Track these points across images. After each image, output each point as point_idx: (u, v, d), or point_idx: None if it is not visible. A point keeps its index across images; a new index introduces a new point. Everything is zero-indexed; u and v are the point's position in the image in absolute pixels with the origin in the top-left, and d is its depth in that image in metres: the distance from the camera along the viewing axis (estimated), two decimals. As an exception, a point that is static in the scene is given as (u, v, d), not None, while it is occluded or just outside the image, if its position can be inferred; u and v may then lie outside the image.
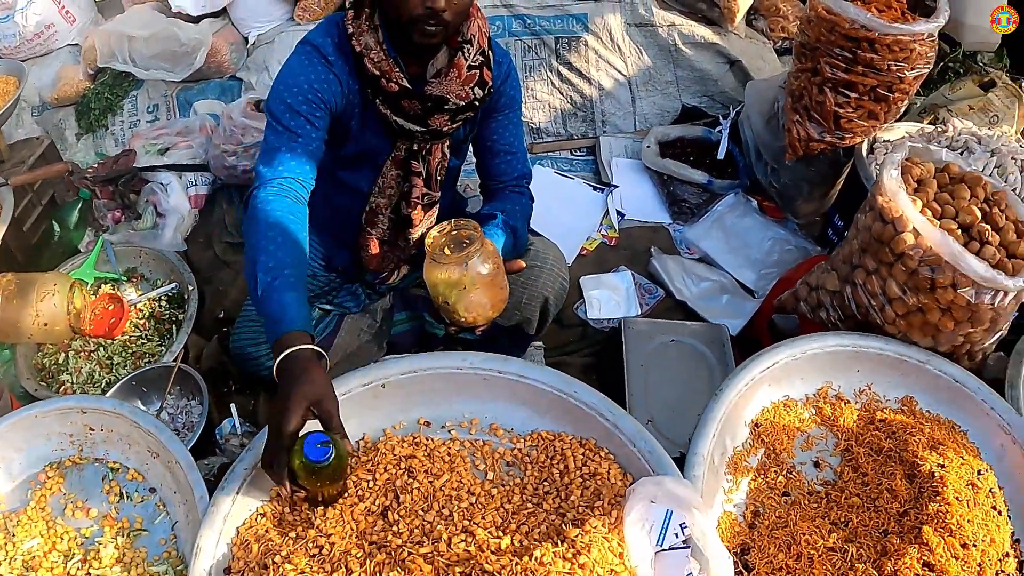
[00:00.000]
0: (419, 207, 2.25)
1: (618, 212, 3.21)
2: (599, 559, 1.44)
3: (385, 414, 1.85)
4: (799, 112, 2.83)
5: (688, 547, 1.48)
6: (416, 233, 2.30)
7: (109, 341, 2.78)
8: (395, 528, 1.59)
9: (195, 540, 1.60)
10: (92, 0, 4.14)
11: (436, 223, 2.11)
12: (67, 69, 3.87)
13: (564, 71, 3.57)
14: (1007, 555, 1.70)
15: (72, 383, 2.72)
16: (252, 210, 1.83)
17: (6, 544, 1.84)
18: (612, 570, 1.44)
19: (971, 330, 2.04)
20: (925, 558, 1.59)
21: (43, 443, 1.97)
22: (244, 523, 1.64)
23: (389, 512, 1.63)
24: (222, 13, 3.83)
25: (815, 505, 1.77)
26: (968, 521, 1.68)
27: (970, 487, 1.78)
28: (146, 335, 2.87)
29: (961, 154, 2.73)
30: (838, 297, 2.23)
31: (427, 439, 1.80)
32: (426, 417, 1.86)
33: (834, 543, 1.63)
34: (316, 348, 1.61)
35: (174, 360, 2.62)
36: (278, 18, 3.81)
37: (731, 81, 3.65)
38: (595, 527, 1.51)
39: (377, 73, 1.94)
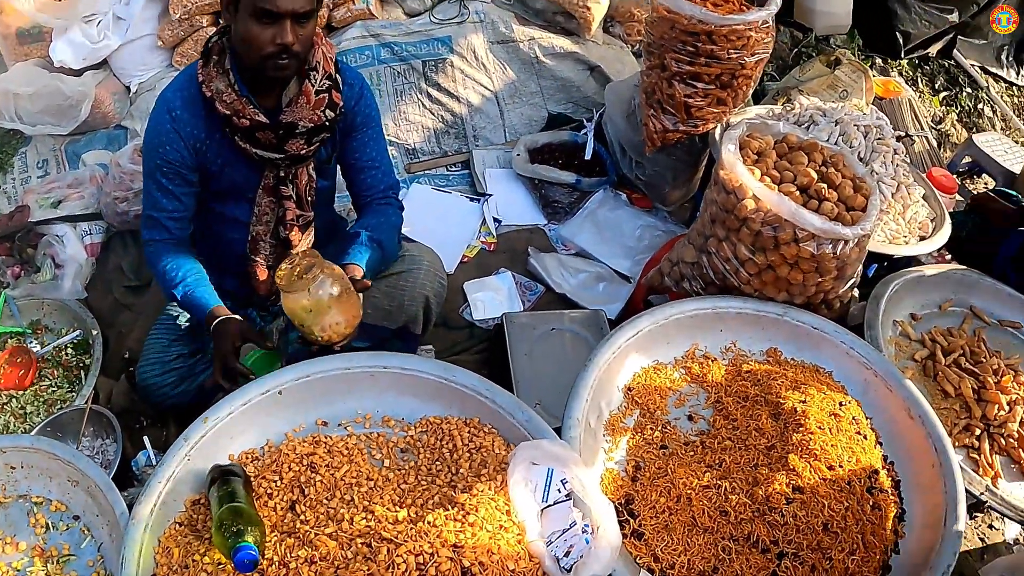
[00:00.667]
0: (295, 228, 2.39)
1: (495, 219, 3.33)
2: (487, 516, 1.56)
3: (285, 419, 1.96)
4: (653, 107, 2.99)
5: (570, 499, 1.60)
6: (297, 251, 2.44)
7: (20, 392, 2.81)
8: (302, 517, 1.70)
9: (119, 555, 1.69)
10: None
11: (314, 243, 2.27)
12: None
13: (433, 92, 3.67)
14: (876, 472, 1.86)
15: None
16: (149, 263, 2.34)
17: (-64, 588, 1.87)
18: (501, 525, 1.56)
19: (820, 279, 2.22)
20: (793, 482, 1.75)
21: None
22: (164, 532, 1.74)
23: (296, 505, 1.75)
24: (103, 64, 3.84)
25: (691, 453, 1.92)
26: (832, 446, 1.86)
27: (832, 417, 1.96)
28: (56, 382, 2.89)
29: (807, 128, 2.92)
30: (696, 267, 2.38)
31: (326, 437, 1.92)
32: (323, 417, 1.97)
33: (708, 481, 1.76)
34: (229, 313, 2.16)
35: (85, 402, 2.65)
36: (157, 65, 3.85)
37: (593, 86, 3.80)
38: (482, 491, 1.63)
39: (229, 113, 2.10)
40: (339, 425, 1.98)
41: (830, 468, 1.83)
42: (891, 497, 1.89)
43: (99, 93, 3.67)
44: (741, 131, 2.34)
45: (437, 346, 2.83)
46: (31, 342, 2.99)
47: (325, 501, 1.74)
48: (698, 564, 1.68)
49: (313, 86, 2.16)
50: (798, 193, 2.23)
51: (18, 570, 1.94)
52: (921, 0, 4.66)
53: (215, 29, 2.76)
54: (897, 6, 4.66)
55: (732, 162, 2.19)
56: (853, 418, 2.01)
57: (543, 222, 3.37)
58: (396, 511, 1.64)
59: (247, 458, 1.92)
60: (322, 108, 2.18)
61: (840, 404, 2.03)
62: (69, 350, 2.97)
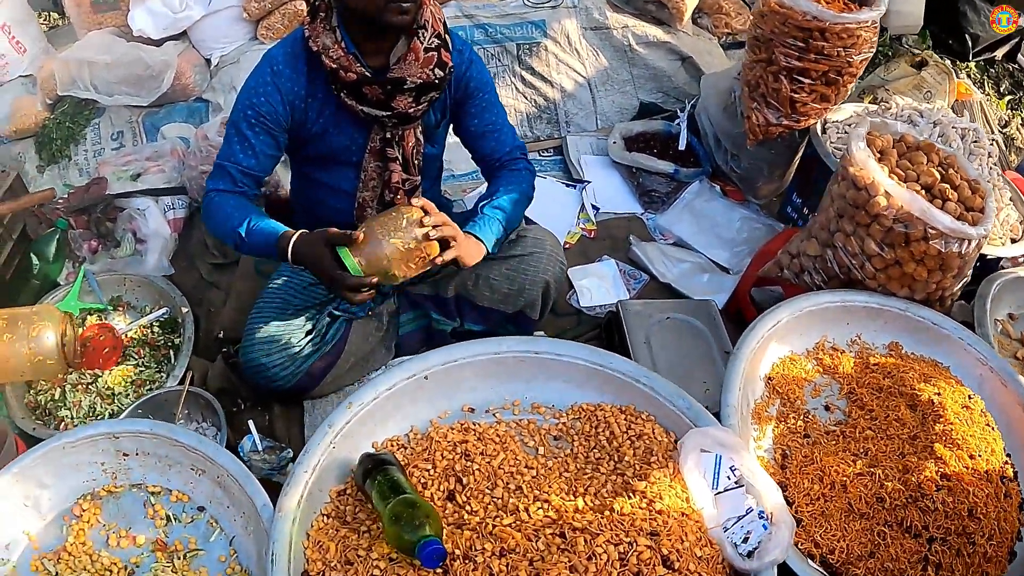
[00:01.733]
0: (401, 192, 2.36)
1: (593, 206, 3.38)
2: (671, 504, 1.61)
3: (430, 405, 1.97)
4: (756, 100, 3.04)
5: (742, 486, 1.66)
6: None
7: (106, 372, 2.68)
8: (468, 508, 1.69)
9: (265, 549, 1.64)
10: (41, 30, 4.03)
11: None
12: (22, 100, 3.75)
13: (527, 76, 3.72)
14: (1005, 463, 1.93)
15: (72, 418, 2.60)
16: (207, 213, 2.26)
17: (49, 586, 1.78)
18: (683, 513, 1.61)
19: (942, 277, 2.28)
20: (942, 470, 1.81)
21: (72, 475, 1.93)
22: (312, 526, 1.71)
23: (456, 495, 1.74)
24: (182, 36, 3.77)
25: (834, 442, 1.98)
26: (971, 436, 1.93)
27: (965, 409, 2.03)
28: (142, 362, 2.78)
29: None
30: (820, 260, 2.44)
31: (474, 424, 1.92)
32: (469, 403, 1.98)
33: (861, 469, 1.83)
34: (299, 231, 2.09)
35: (179, 383, 2.58)
36: (240, 38, 3.79)
37: (683, 76, 3.85)
38: (658, 478, 1.68)
39: (335, 67, 2.09)
40: (487, 412, 1.98)
41: (971, 457, 1.90)
42: (1016, 486, 1.96)
43: (180, 64, 3.61)
44: (866, 128, 2.39)
45: (547, 332, 2.84)
46: (113, 319, 2.89)
47: (488, 491, 1.73)
48: (856, 549, 1.74)
49: (422, 43, 2.13)
50: (923, 192, 2.29)
51: (137, 565, 1.83)
52: (990, 3, 4.68)
53: None
54: (967, 8, 4.70)
55: (864, 159, 2.24)
56: (982, 411, 2.09)
57: (639, 210, 3.41)
58: (573, 500, 1.65)
59: (392, 446, 1.90)
60: (431, 67, 2.15)
61: (969, 397, 2.11)
62: (155, 328, 2.88)
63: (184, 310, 2.87)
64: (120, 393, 2.66)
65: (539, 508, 1.63)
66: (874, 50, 2.89)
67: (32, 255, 2.98)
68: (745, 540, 1.59)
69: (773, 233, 3.23)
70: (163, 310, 2.90)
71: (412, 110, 2.20)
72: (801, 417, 2.05)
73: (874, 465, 1.86)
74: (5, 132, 3.70)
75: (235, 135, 2.21)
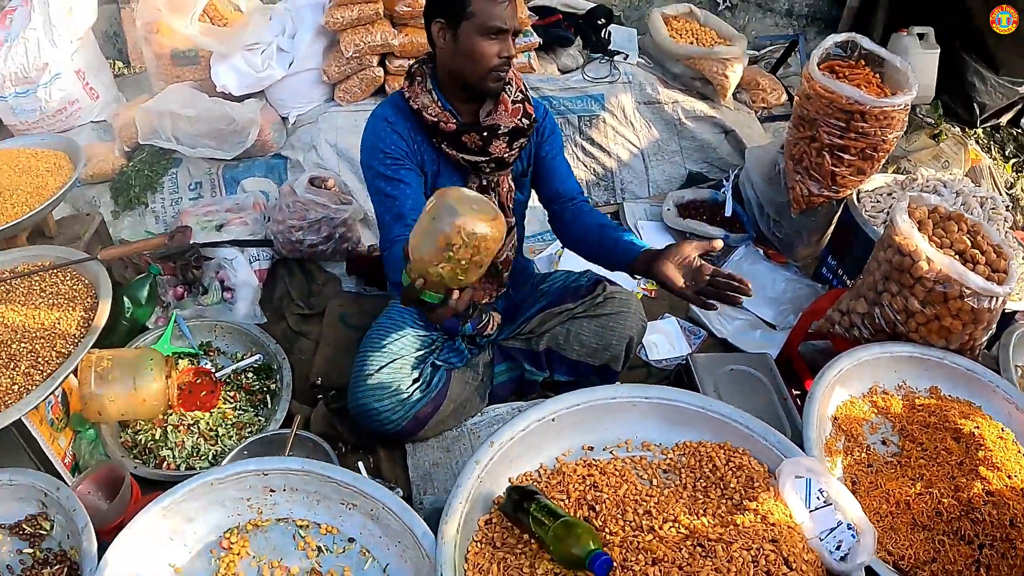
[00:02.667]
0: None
1: (652, 268, 3.77)
2: (780, 519, 1.97)
3: (555, 444, 2.23)
4: (800, 173, 3.45)
5: (830, 504, 2.03)
6: (502, 256, 2.72)
7: (206, 414, 2.79)
8: (607, 531, 1.95)
9: (427, 574, 1.84)
10: (113, 78, 4.23)
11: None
12: (96, 146, 3.88)
13: (587, 145, 4.11)
14: (1037, 486, 2.32)
15: (174, 458, 2.70)
16: (386, 260, 2.39)
17: (206, 616, 1.86)
18: (788, 526, 1.98)
19: (974, 329, 2.66)
20: (986, 488, 2.19)
21: (217, 510, 2.02)
22: (468, 551, 1.88)
23: (591, 521, 1.98)
24: (259, 94, 3.96)
25: (892, 470, 2.36)
26: (1007, 461, 2.31)
27: (1000, 439, 2.41)
28: (239, 406, 2.90)
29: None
30: (868, 317, 2.82)
31: (595, 460, 2.20)
32: (588, 443, 2.26)
33: (921, 489, 2.22)
34: None
35: (282, 427, 2.73)
36: (317, 99, 3.99)
37: (727, 148, 4.27)
38: (764, 499, 2.03)
39: (435, 120, 2.44)
40: (603, 449, 2.21)
41: (1009, 477, 2.27)
42: (1046, 504, 2.34)
43: (261, 121, 3.77)
44: (906, 202, 2.80)
45: (622, 381, 3.08)
46: (205, 363, 3.00)
47: (619, 516, 1.95)
48: (921, 555, 2.11)
49: (509, 97, 2.50)
50: (957, 257, 2.69)
51: None
52: (996, 74, 5.11)
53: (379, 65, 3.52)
54: (975, 79, 5.13)
55: (908, 230, 2.64)
56: (1013, 440, 2.47)
57: (694, 273, 3.80)
58: (698, 519, 1.96)
59: (526, 480, 2.10)
60: (519, 116, 2.51)
61: (1002, 430, 2.49)
62: (250, 374, 3.00)
63: (280, 357, 3.03)
64: (223, 435, 2.78)
65: (671, 527, 1.94)
66: (904, 128, 3.30)
67: (124, 298, 3.02)
68: (838, 548, 1.95)
69: (812, 292, 3.61)
70: (257, 356, 3.04)
71: (507, 155, 2.54)
72: (864, 450, 2.42)
73: (930, 486, 2.24)
74: (81, 176, 3.56)
75: (386, 185, 2.43)
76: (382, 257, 2.46)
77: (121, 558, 1.87)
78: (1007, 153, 5.31)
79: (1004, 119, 5.40)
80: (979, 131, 5.28)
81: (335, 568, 1.98)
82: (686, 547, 1.87)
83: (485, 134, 2.47)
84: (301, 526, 2.05)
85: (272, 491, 2.05)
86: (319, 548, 2.02)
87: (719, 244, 2.35)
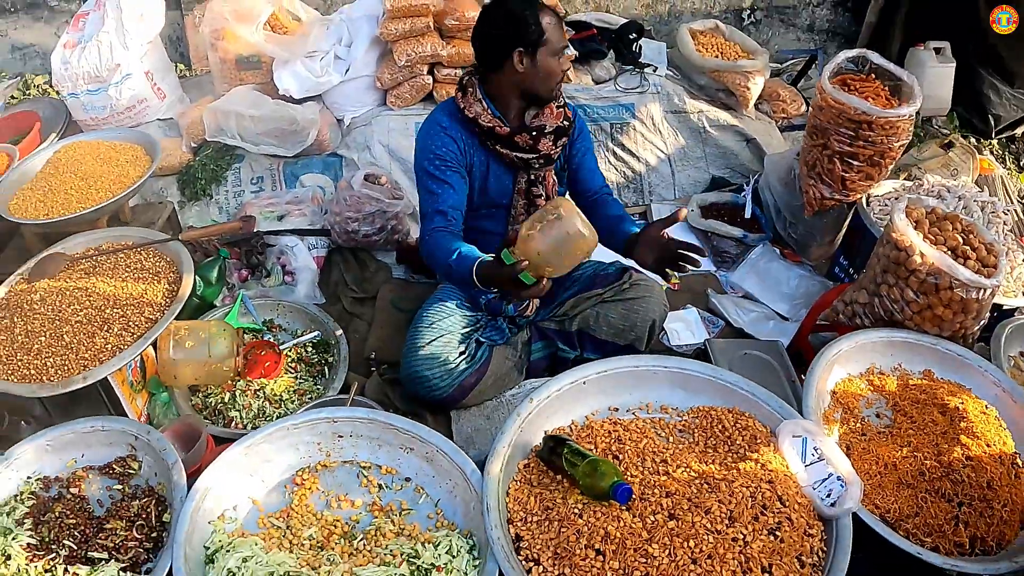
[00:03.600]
0: None
1: (677, 264, 4.06)
2: (777, 468, 2.27)
3: (585, 404, 2.53)
4: (813, 178, 3.72)
5: (823, 460, 2.31)
6: None
7: (270, 381, 3.02)
8: (628, 472, 2.26)
9: (475, 504, 2.11)
10: (177, 80, 4.48)
11: None
12: (164, 141, 3.95)
13: (618, 151, 4.40)
14: (1015, 454, 2.59)
15: (242, 419, 2.93)
16: (426, 251, 2.74)
17: (287, 535, 2.14)
18: (784, 473, 2.28)
19: (964, 318, 2.93)
20: (966, 453, 2.48)
21: (291, 452, 2.31)
22: (509, 488, 2.21)
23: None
24: (317, 97, 4.20)
25: (884, 439, 2.64)
26: (987, 431, 2.59)
27: (982, 414, 2.69)
28: (300, 376, 3.14)
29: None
30: (868, 307, 3.10)
31: (619, 419, 2.51)
32: (614, 404, 2.57)
33: (907, 454, 2.51)
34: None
35: (340, 393, 2.99)
36: (371, 103, 4.27)
37: (748, 155, 4.54)
38: (764, 452, 2.33)
39: (490, 126, 2.81)
40: (627, 411, 2.51)
41: (988, 445, 2.55)
42: (1025, 473, 2.61)
43: (320, 122, 4.04)
44: (904, 204, 3.08)
45: None
46: (268, 337, 3.21)
47: (639, 463, 2.24)
48: (905, 510, 2.39)
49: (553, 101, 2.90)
50: (949, 252, 2.97)
51: (357, 522, 2.19)
52: (1011, 87, 5.34)
53: (429, 74, 4.00)
54: (991, 92, 5.36)
55: (904, 227, 2.92)
56: (996, 416, 2.74)
57: (713, 269, 4.09)
58: (708, 466, 2.26)
59: (559, 432, 2.37)
60: (561, 119, 2.90)
61: (985, 406, 2.76)
62: (309, 348, 3.26)
63: (338, 333, 3.31)
64: (287, 399, 3.03)
65: (683, 471, 2.24)
66: (911, 137, 3.54)
67: (197, 277, 3.22)
68: (828, 495, 2.23)
69: (824, 289, 3.86)
70: (316, 332, 3.32)
71: (552, 152, 2.91)
72: (858, 421, 2.71)
73: (916, 451, 2.52)
74: (150, 169, 3.81)
75: (432, 183, 2.79)
76: (420, 242, 2.81)
77: (208, 488, 2.19)
78: (1021, 164, 5.53)
79: (1019, 131, 5.61)
80: (994, 142, 5.50)
81: (393, 502, 2.25)
82: (695, 484, 2.18)
83: (534, 134, 2.85)
84: (364, 467, 2.32)
85: (340, 436, 2.33)
86: (380, 485, 2.29)
87: (683, 213, 2.62)
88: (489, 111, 2.82)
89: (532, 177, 2.96)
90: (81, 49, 4.00)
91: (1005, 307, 3.51)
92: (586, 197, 3.11)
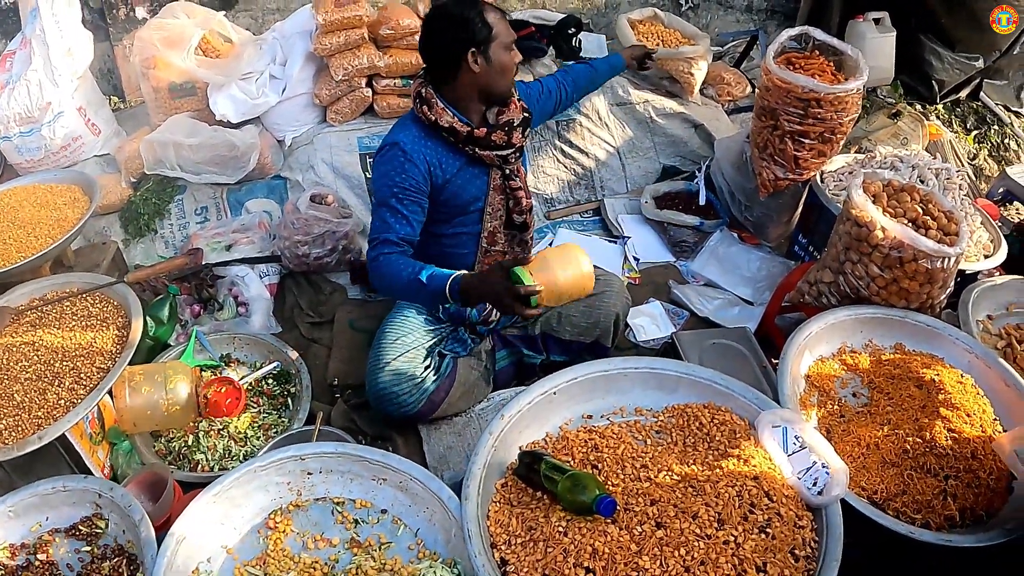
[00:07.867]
0: (528, 213, 3.07)
1: (634, 257, 4.02)
2: (760, 463, 2.22)
3: (558, 415, 2.46)
4: (766, 159, 3.70)
5: (806, 448, 2.27)
6: (531, 232, 3.16)
7: (233, 419, 2.97)
8: (609, 482, 2.19)
9: (455, 531, 2.04)
10: (112, 113, 4.38)
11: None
12: (104, 179, 3.95)
13: (566, 148, 4.36)
14: (995, 421, 2.57)
15: (207, 460, 2.90)
16: (378, 273, 2.77)
17: (264, 582, 2.02)
18: (768, 467, 2.22)
19: (930, 288, 2.91)
20: (947, 426, 2.45)
21: (261, 495, 2.21)
22: (489, 510, 2.12)
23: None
24: (256, 120, 4.13)
25: (863, 419, 2.61)
26: (966, 401, 2.56)
27: (959, 383, 2.66)
28: (263, 410, 3.09)
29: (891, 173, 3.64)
30: (834, 285, 3.07)
31: (594, 426, 2.44)
32: (587, 411, 2.50)
33: (888, 432, 2.47)
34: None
35: (306, 424, 2.93)
36: (310, 121, 4.20)
37: (697, 141, 4.52)
38: (745, 447, 2.28)
39: (467, 131, 2.80)
40: (601, 417, 2.44)
41: (968, 415, 2.52)
42: (1007, 439, 2.59)
43: (260, 145, 3.96)
44: (861, 178, 3.05)
45: None
46: (227, 373, 3.14)
47: (619, 471, 2.17)
48: (892, 489, 2.36)
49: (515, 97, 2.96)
50: (909, 224, 2.94)
51: (336, 561, 2.10)
52: (952, 51, 5.36)
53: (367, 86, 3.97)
54: (932, 58, 5.37)
55: (863, 203, 2.89)
56: (972, 384, 2.71)
57: (672, 259, 4.06)
58: (690, 467, 2.20)
59: (534, 447, 2.31)
60: (521, 111, 2.96)
61: (961, 375, 2.73)
62: (270, 380, 3.21)
63: (298, 363, 3.26)
64: (251, 436, 2.98)
65: (665, 475, 2.18)
66: (859, 111, 3.54)
67: (148, 318, 3.14)
68: (814, 484, 2.18)
69: (786, 269, 3.86)
70: (275, 363, 3.24)
71: (523, 142, 2.97)
72: (836, 403, 2.67)
73: (896, 429, 2.49)
74: (90, 208, 3.68)
75: (388, 212, 2.77)
76: (369, 265, 2.80)
77: (178, 541, 2.07)
78: (968, 126, 5.56)
79: (963, 94, 5.64)
80: (939, 107, 5.53)
81: (371, 537, 2.18)
82: (679, 489, 2.12)
83: (507, 128, 2.88)
84: (338, 503, 2.25)
85: (309, 473, 2.25)
86: (356, 520, 2.21)
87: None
88: (456, 118, 2.82)
89: (507, 172, 2.97)
90: (10, 90, 3.90)
91: (968, 272, 3.50)
92: (555, 96, 3.44)
